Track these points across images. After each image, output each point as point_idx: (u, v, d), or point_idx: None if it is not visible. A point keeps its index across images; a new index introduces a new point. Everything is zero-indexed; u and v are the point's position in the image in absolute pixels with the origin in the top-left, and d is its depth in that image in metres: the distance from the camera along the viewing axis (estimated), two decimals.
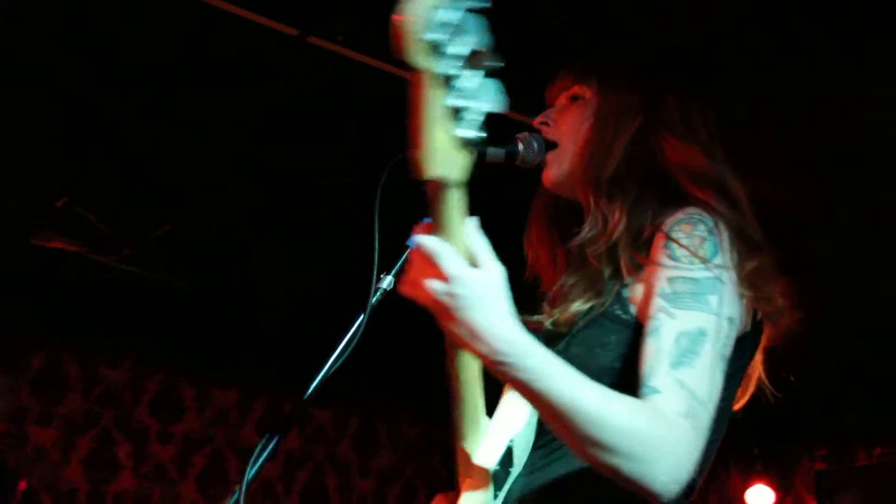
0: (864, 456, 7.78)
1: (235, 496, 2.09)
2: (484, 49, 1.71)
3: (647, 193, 2.50)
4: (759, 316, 2.42)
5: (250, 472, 2.11)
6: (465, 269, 1.87)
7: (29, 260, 6.04)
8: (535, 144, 2.54)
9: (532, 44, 4.21)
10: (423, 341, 6.93)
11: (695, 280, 2.27)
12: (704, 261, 2.27)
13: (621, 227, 2.46)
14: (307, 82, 4.61)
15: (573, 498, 2.33)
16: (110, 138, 5.04)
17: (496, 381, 2.13)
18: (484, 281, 1.90)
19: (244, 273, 6.33)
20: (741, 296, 2.34)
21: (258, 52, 4.44)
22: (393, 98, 4.45)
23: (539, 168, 2.58)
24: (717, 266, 2.27)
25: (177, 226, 5.81)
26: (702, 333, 2.20)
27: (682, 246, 2.29)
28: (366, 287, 2.31)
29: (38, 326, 7.12)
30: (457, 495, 2.48)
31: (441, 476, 8.60)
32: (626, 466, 2.01)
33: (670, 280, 2.28)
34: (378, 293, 2.30)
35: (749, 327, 2.38)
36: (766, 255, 2.43)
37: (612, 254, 2.46)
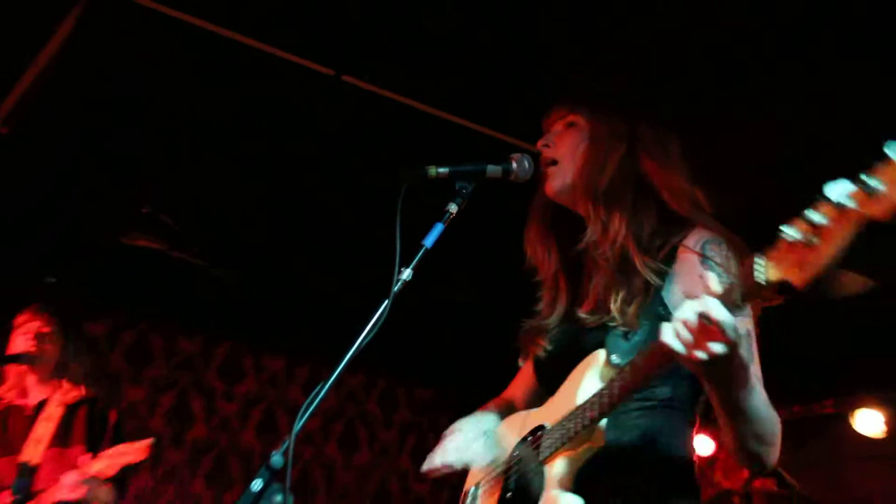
0: (784, 413, 7.78)
1: (286, 444, 2.08)
2: None
3: (643, 208, 2.52)
4: None
5: (298, 425, 2.10)
6: (738, 335, 1.95)
7: (122, 257, 6.04)
8: (526, 163, 2.55)
9: (530, 76, 4.19)
10: (435, 323, 6.92)
11: None
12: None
13: (622, 233, 2.48)
14: (342, 115, 4.60)
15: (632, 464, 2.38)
16: (191, 166, 5.05)
17: None
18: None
19: (292, 267, 6.33)
20: None
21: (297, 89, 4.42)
22: (413, 129, 4.48)
23: (529, 181, 2.57)
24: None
25: (239, 231, 5.82)
26: (749, 334, 2.27)
27: (718, 264, 2.33)
28: (389, 278, 2.30)
29: (129, 308, 7.13)
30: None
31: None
32: (769, 452, 2.26)
33: None
34: (399, 283, 2.29)
35: None
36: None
37: (624, 258, 2.47)
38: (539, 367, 2.77)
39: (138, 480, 6.99)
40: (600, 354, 2.38)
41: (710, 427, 8.26)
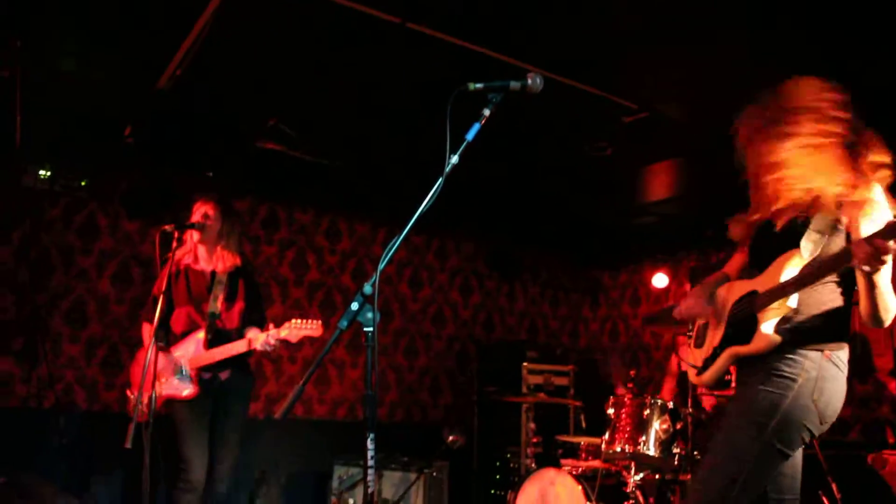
0: (714, 258, 7.74)
1: (373, 279, 2.09)
2: None
3: None
4: None
5: (381, 265, 2.11)
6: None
7: (256, 156, 6.05)
8: (539, 79, 2.48)
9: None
10: (476, 196, 6.84)
11: None
12: None
13: None
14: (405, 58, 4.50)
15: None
16: (302, 91, 5.00)
17: None
18: None
19: (373, 159, 6.30)
20: None
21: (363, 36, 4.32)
22: (457, 60, 4.40)
23: (540, 93, 2.49)
24: None
25: (336, 136, 5.79)
26: None
27: None
28: (442, 162, 2.28)
29: (260, 191, 7.19)
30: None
31: (483, 272, 8.65)
32: (884, 315, 2.46)
33: None
34: (449, 166, 2.29)
35: None
36: None
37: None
38: (753, 252, 2.84)
39: (273, 309, 7.14)
40: (797, 252, 2.57)
41: (666, 268, 8.28)
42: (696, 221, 7.25)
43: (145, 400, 3.83)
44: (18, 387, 5.97)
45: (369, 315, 2.08)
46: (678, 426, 4.71)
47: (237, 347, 4.26)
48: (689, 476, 4.64)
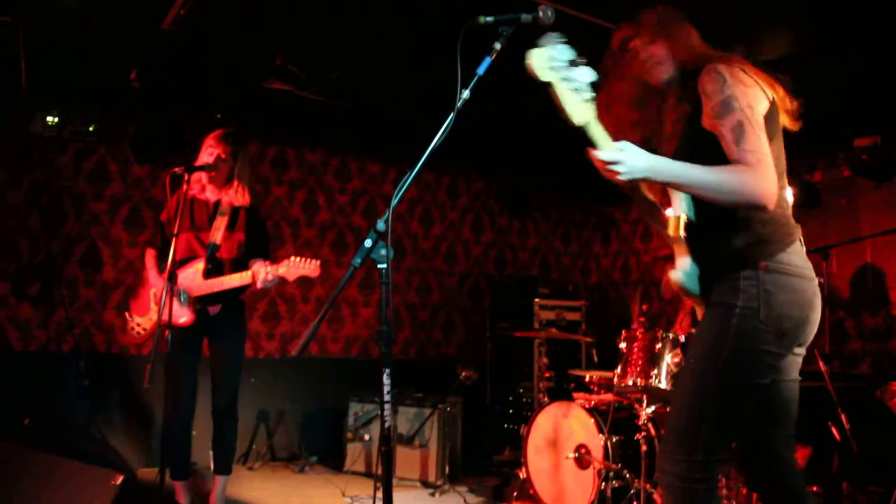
0: None
1: (386, 216, 2.08)
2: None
3: None
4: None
5: (394, 202, 2.10)
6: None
7: (263, 96, 5.99)
8: (550, 12, 2.45)
9: None
10: (485, 132, 6.78)
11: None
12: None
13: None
14: None
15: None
16: (308, 29, 4.91)
17: None
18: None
19: (380, 98, 6.23)
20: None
21: None
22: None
23: (552, 25, 2.45)
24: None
25: (344, 75, 5.72)
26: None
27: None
28: (453, 100, 2.27)
29: (269, 132, 7.16)
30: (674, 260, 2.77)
31: (493, 209, 8.63)
32: (739, 199, 2.29)
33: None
34: (460, 101, 2.27)
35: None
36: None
37: None
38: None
39: (284, 251, 7.16)
40: None
41: None
42: None
43: (163, 333, 3.88)
44: (37, 331, 6.06)
45: (383, 252, 2.08)
46: None
47: (238, 279, 4.34)
48: None
